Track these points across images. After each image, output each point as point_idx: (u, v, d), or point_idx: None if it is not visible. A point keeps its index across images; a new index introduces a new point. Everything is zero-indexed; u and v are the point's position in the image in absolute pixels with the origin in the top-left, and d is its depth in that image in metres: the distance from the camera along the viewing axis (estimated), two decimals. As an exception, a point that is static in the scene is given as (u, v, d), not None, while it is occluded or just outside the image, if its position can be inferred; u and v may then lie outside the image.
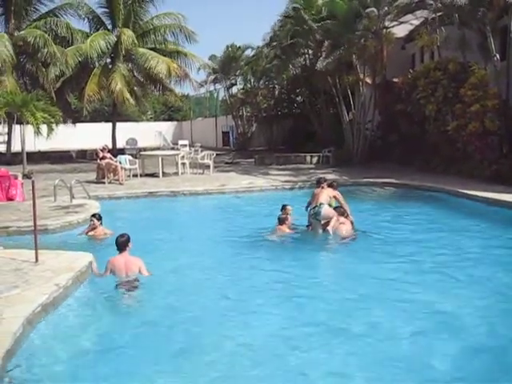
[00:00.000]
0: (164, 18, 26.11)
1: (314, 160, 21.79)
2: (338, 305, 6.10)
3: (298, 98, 29.94)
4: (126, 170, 17.07)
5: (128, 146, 29.50)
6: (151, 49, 24.96)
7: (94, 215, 9.39)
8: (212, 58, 31.16)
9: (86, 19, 25.76)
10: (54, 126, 18.79)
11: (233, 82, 32.10)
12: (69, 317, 5.57)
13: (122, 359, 4.77)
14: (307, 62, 24.30)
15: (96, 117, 38.17)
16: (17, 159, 21.18)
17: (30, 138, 19.11)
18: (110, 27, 25.77)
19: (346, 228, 9.21)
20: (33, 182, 7.27)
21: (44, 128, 18.39)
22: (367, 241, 8.97)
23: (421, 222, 10.69)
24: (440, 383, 4.36)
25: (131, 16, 25.27)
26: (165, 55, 24.82)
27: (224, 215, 12.60)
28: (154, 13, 26.33)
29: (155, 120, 47.04)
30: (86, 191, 12.81)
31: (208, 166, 18.69)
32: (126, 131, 30.53)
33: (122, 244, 6.85)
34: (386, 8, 17.95)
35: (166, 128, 39.98)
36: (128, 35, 23.42)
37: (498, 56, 14.38)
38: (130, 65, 25.60)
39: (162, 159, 18.20)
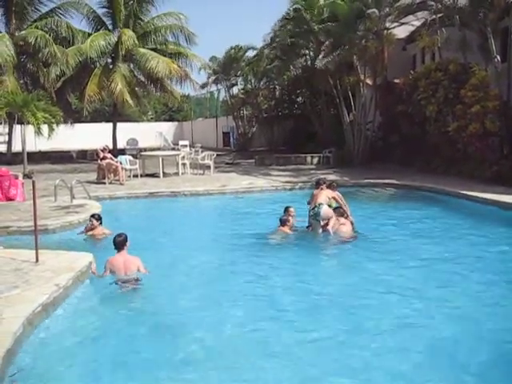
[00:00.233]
0: (165, 18, 26.08)
1: (315, 161, 21.79)
2: (338, 304, 6.10)
3: (298, 99, 29.95)
4: (126, 170, 17.07)
5: (128, 147, 29.51)
6: (152, 49, 24.96)
7: (93, 215, 9.39)
8: (213, 59, 31.14)
9: (87, 19, 25.76)
10: (54, 126, 18.78)
11: (233, 82, 32.10)
12: (69, 317, 5.57)
13: (123, 358, 4.77)
14: (308, 62, 24.30)
15: (96, 117, 38.18)
16: (17, 159, 21.19)
17: (30, 138, 19.12)
18: (110, 27, 25.77)
19: (346, 229, 9.22)
20: (33, 182, 7.27)
21: (45, 128, 18.39)
22: (368, 241, 8.97)
23: (421, 222, 10.69)
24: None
25: (132, 16, 25.29)
26: (165, 56, 24.83)
27: (224, 216, 12.60)
28: (154, 13, 26.39)
29: (156, 120, 47.07)
30: (87, 191, 12.81)
31: (208, 167, 18.70)
32: (126, 131, 30.53)
33: (120, 243, 6.90)
34: (387, 9, 17.97)
35: (167, 128, 40.00)
36: (129, 35, 23.43)
37: (498, 57, 14.39)
38: (130, 65, 25.59)
39: (163, 159, 18.20)
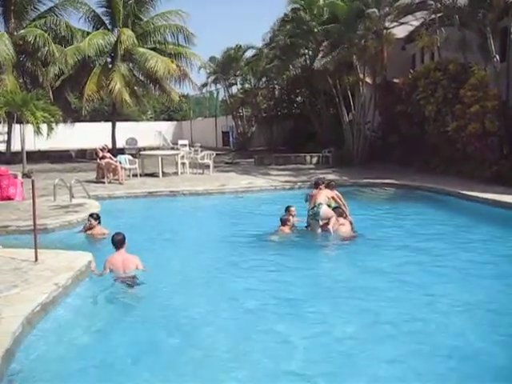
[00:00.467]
0: (165, 17, 26.05)
1: (314, 160, 21.79)
2: (338, 304, 6.10)
3: (298, 99, 29.96)
4: (125, 169, 17.07)
5: (128, 146, 29.49)
6: (151, 48, 24.95)
7: (91, 215, 9.38)
8: (212, 59, 31.12)
9: (86, 18, 25.75)
10: (53, 125, 18.77)
11: (233, 82, 32.10)
12: (68, 316, 5.57)
13: (123, 357, 4.78)
14: (307, 62, 24.29)
15: (96, 116, 38.15)
16: (16, 158, 21.18)
17: (29, 138, 19.09)
18: (110, 27, 25.75)
19: (345, 229, 9.22)
20: (32, 182, 7.27)
21: (44, 127, 18.38)
22: (367, 241, 8.97)
23: (421, 222, 10.69)
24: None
25: (131, 16, 25.27)
26: (165, 55, 24.81)
27: (224, 215, 12.60)
28: (154, 13, 26.36)
29: (155, 120, 47.05)
30: (86, 191, 12.81)
31: (208, 166, 18.69)
32: (125, 131, 30.53)
33: (118, 242, 6.95)
34: (387, 9, 17.96)
35: (166, 128, 39.99)
36: (128, 35, 23.40)
37: (497, 57, 14.39)
38: (129, 64, 25.57)
39: (162, 159, 18.19)
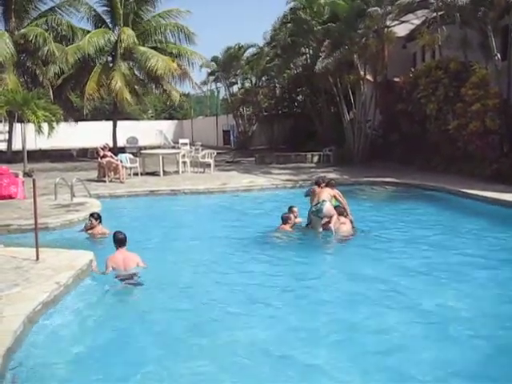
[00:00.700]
0: (166, 16, 26.05)
1: (315, 159, 21.79)
2: (338, 304, 6.10)
3: (298, 97, 29.95)
4: (126, 168, 17.08)
5: (129, 145, 29.51)
6: (152, 47, 24.95)
7: (92, 215, 9.34)
8: (214, 59, 31.09)
9: (87, 17, 25.76)
10: (54, 124, 18.79)
11: (233, 80, 32.07)
12: (70, 315, 5.58)
13: (124, 355, 4.79)
14: (308, 61, 24.28)
15: (97, 115, 38.14)
16: (17, 157, 21.19)
17: (30, 137, 19.12)
18: (111, 26, 25.76)
19: (346, 228, 9.22)
20: (34, 180, 7.28)
21: (45, 126, 18.39)
22: (367, 240, 8.97)
23: (421, 221, 10.69)
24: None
25: (132, 15, 25.26)
26: (166, 54, 24.81)
27: (225, 214, 12.58)
28: (155, 11, 26.35)
29: (156, 118, 47.06)
30: (87, 189, 12.82)
31: (209, 165, 18.70)
32: (126, 130, 30.54)
33: (121, 240, 7.00)
34: (388, 7, 17.93)
35: (167, 127, 40.01)
36: (128, 34, 23.39)
37: (499, 55, 14.38)
38: (130, 63, 25.58)
39: (163, 158, 18.19)
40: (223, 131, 35.55)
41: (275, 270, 7.51)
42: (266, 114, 31.08)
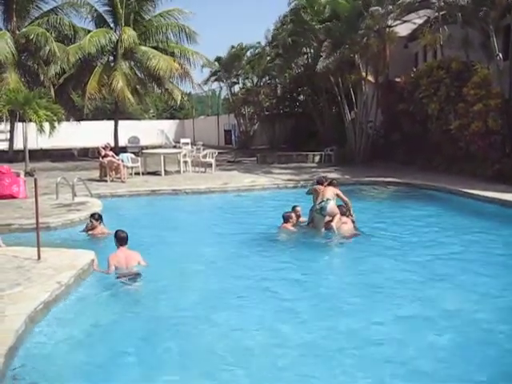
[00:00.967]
0: (167, 16, 26.03)
1: (316, 159, 21.78)
2: (337, 305, 6.09)
3: (300, 97, 29.95)
4: (128, 168, 17.09)
5: (130, 144, 29.50)
6: (154, 47, 24.94)
7: (92, 215, 9.31)
8: (217, 59, 31.07)
9: (89, 18, 25.76)
10: (56, 123, 18.79)
11: (235, 80, 32.08)
12: (71, 314, 5.58)
13: (125, 354, 4.79)
14: (309, 60, 24.27)
15: (98, 115, 38.19)
16: (19, 157, 21.20)
17: (32, 136, 19.13)
18: (112, 25, 25.76)
19: (348, 227, 9.20)
20: (35, 180, 7.28)
21: (46, 126, 18.40)
22: (369, 240, 8.96)
23: (423, 220, 10.67)
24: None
25: (133, 14, 25.26)
26: (167, 54, 24.81)
27: (226, 214, 12.59)
28: (156, 11, 26.34)
29: (157, 118, 47.08)
30: (88, 189, 12.82)
31: (210, 165, 18.69)
32: (128, 129, 30.53)
33: (123, 239, 7.04)
34: (390, 7, 17.92)
35: (168, 126, 40.01)
36: (129, 34, 23.36)
37: (500, 55, 14.36)
38: (131, 63, 25.57)
39: (164, 157, 18.20)
40: (224, 131, 35.57)
41: (275, 269, 7.50)
42: (267, 113, 31.10)
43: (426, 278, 6.94)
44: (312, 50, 23.38)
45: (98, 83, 23.95)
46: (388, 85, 19.99)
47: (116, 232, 7.19)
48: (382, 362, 4.61)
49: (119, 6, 24.53)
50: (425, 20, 18.74)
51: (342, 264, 8.23)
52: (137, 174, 17.54)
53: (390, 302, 6.10)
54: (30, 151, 18.97)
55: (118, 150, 22.88)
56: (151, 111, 47.84)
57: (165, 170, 17.89)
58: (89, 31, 25.04)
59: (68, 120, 25.18)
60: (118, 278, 6.65)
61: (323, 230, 9.11)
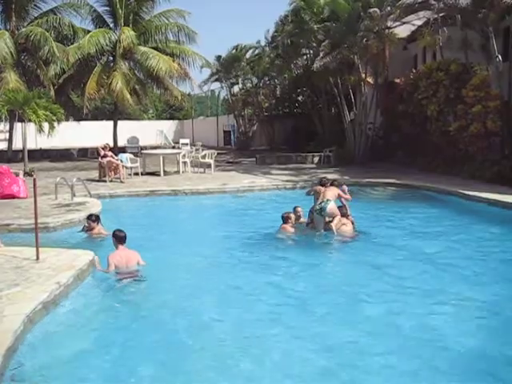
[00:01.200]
0: (166, 16, 26.04)
1: (316, 160, 21.79)
2: (336, 305, 6.10)
3: (299, 98, 29.95)
4: (127, 168, 17.08)
5: (129, 145, 29.47)
6: (153, 48, 24.94)
7: (89, 217, 9.25)
8: (217, 58, 31.10)
9: (88, 18, 25.75)
10: (55, 124, 18.78)
11: (233, 81, 32.07)
12: (70, 314, 5.58)
13: (125, 354, 4.80)
14: (309, 62, 24.28)
15: (97, 115, 38.17)
16: (18, 157, 21.20)
17: (31, 136, 19.11)
18: (112, 26, 25.75)
19: (347, 229, 9.20)
20: (34, 180, 7.28)
21: (46, 126, 18.38)
22: (368, 241, 8.96)
23: (422, 222, 10.68)
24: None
25: (132, 15, 25.26)
26: (167, 54, 24.81)
27: (225, 214, 12.60)
28: (156, 12, 26.35)
29: (156, 119, 47.06)
30: (87, 189, 12.81)
31: (209, 165, 18.69)
32: (127, 129, 30.52)
33: (121, 238, 7.06)
34: (389, 8, 17.93)
35: (168, 127, 39.98)
36: (127, 35, 23.36)
37: (500, 57, 14.36)
38: (131, 63, 25.56)
39: (164, 158, 18.20)
40: (224, 131, 35.56)
41: (274, 269, 7.52)
42: (266, 114, 31.11)
43: (425, 279, 6.94)
44: (311, 51, 23.38)
45: (98, 83, 23.94)
46: (387, 86, 20.01)
47: (114, 231, 7.20)
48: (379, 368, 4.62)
49: (118, 6, 24.53)
50: (424, 21, 18.72)
51: (340, 265, 8.22)
52: (136, 174, 17.54)
53: (388, 302, 6.10)
54: (29, 151, 18.96)
55: (117, 150, 22.89)
56: (150, 111, 47.84)
57: (164, 171, 17.89)
58: (88, 31, 25.05)
59: (67, 120, 25.14)
60: (117, 277, 6.66)
61: (322, 230, 9.11)
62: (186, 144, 27.55)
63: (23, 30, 23.55)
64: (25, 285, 5.77)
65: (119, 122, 27.00)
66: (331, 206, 8.99)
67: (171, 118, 46.71)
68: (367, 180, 15.71)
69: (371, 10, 17.51)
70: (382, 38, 18.52)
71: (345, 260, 8.38)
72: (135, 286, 6.57)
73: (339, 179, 14.25)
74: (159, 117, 48.35)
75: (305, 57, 24.79)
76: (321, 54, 19.08)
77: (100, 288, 6.51)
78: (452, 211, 11.82)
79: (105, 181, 16.08)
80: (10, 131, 24.21)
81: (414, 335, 5.20)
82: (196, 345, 5.01)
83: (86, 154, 27.86)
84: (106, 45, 24.12)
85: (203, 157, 19.11)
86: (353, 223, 9.41)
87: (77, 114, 28.08)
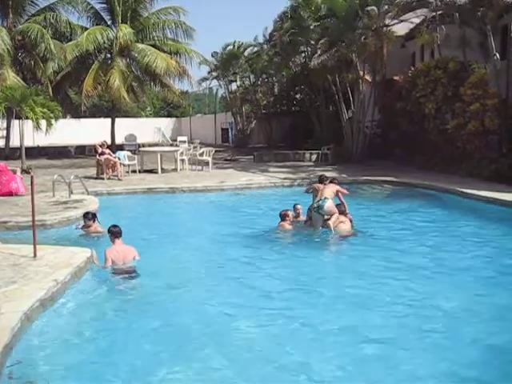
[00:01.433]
0: (164, 14, 26.00)
1: (313, 157, 21.80)
2: (335, 303, 6.11)
3: (297, 96, 29.94)
4: (124, 165, 17.06)
5: (127, 142, 29.42)
6: (151, 45, 24.89)
7: (85, 216, 9.22)
8: (214, 54, 31.08)
9: (86, 15, 25.68)
10: (53, 121, 18.73)
11: (232, 79, 32.04)
12: (67, 311, 5.58)
13: (123, 351, 4.80)
14: (307, 59, 24.26)
15: (95, 112, 38.09)
16: (15, 154, 21.15)
17: (28, 133, 19.06)
18: (110, 23, 25.70)
19: (345, 226, 9.19)
20: (32, 178, 7.27)
21: (43, 123, 18.34)
22: (366, 239, 8.97)
23: (419, 220, 10.69)
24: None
25: (130, 12, 25.20)
26: (165, 51, 24.77)
27: (223, 212, 12.60)
28: (153, 9, 26.31)
29: (154, 116, 46.98)
30: (85, 187, 12.80)
31: (207, 163, 18.68)
32: (125, 127, 30.48)
33: (117, 232, 7.09)
34: (387, 6, 17.92)
35: (165, 124, 39.91)
36: (125, 32, 23.31)
37: (498, 55, 14.36)
38: (128, 60, 25.52)
39: (161, 155, 18.18)
40: (222, 129, 35.52)
41: (272, 267, 7.52)
42: (264, 112, 31.09)
43: (422, 278, 6.94)
44: (309, 49, 23.36)
45: (95, 80, 23.91)
46: (385, 84, 20.01)
47: (109, 227, 7.22)
48: (374, 360, 4.62)
49: (116, 3, 24.48)
50: (422, 19, 18.73)
51: (337, 263, 8.22)
52: (133, 171, 17.51)
53: (386, 300, 6.10)
54: (26, 148, 18.93)
55: (114, 147, 22.82)
56: (148, 109, 47.74)
57: (161, 168, 17.88)
58: (86, 28, 25.01)
59: (65, 117, 25.08)
60: (114, 274, 6.66)
61: (320, 228, 9.11)
62: (184, 141, 27.51)
63: (20, 26, 23.50)
64: (22, 282, 5.76)
65: (117, 120, 26.97)
66: (329, 204, 8.98)
67: (169, 115, 46.65)
68: (365, 178, 15.71)
69: (369, 8, 17.50)
70: (380, 36, 18.52)
71: (342, 258, 8.39)
72: (132, 283, 6.58)
73: (337, 177, 14.28)
74: (157, 114, 48.27)
75: (303, 54, 24.76)
76: (319, 52, 19.08)
77: (97, 285, 6.50)
78: (450, 209, 11.83)
79: (102, 178, 16.06)
80: (8, 128, 24.16)
81: (414, 335, 5.20)
82: (195, 340, 5.01)
83: (83, 151, 27.80)
84: (104, 42, 24.08)
85: (201, 154, 19.11)
86: (351, 221, 9.40)
87: (74, 112, 28.01)
